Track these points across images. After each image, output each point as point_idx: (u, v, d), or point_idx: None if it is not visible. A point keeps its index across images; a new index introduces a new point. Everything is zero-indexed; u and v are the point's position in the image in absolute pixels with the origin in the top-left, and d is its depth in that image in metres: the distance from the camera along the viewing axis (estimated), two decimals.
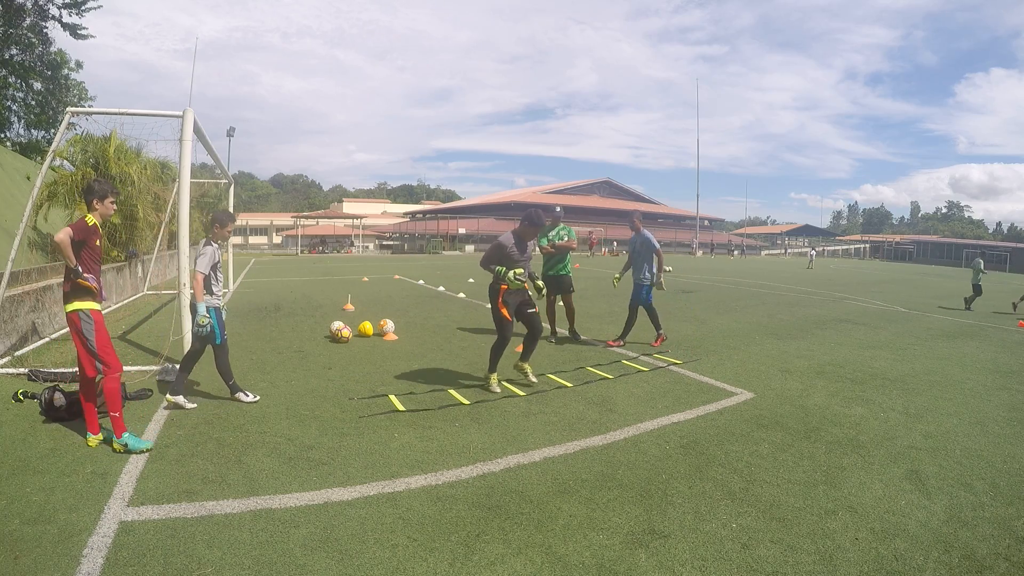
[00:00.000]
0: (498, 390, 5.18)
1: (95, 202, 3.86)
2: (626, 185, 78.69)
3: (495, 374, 5.30)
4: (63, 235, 3.61)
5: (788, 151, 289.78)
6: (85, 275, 3.70)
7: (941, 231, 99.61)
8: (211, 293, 4.63)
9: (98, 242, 3.87)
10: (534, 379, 5.42)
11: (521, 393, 5.10)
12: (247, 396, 4.75)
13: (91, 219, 3.83)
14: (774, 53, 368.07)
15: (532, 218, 5.11)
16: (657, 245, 7.46)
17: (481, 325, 8.79)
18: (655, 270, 7.46)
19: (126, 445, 3.63)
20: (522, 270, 5.07)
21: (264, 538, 2.68)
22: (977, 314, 12.36)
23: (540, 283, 5.39)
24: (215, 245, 4.68)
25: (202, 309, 4.43)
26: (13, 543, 2.56)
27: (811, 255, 38.23)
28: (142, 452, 3.62)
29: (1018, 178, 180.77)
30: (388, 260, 30.85)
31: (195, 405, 4.56)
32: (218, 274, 4.71)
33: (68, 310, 3.77)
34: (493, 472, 3.47)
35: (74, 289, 3.73)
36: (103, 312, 3.97)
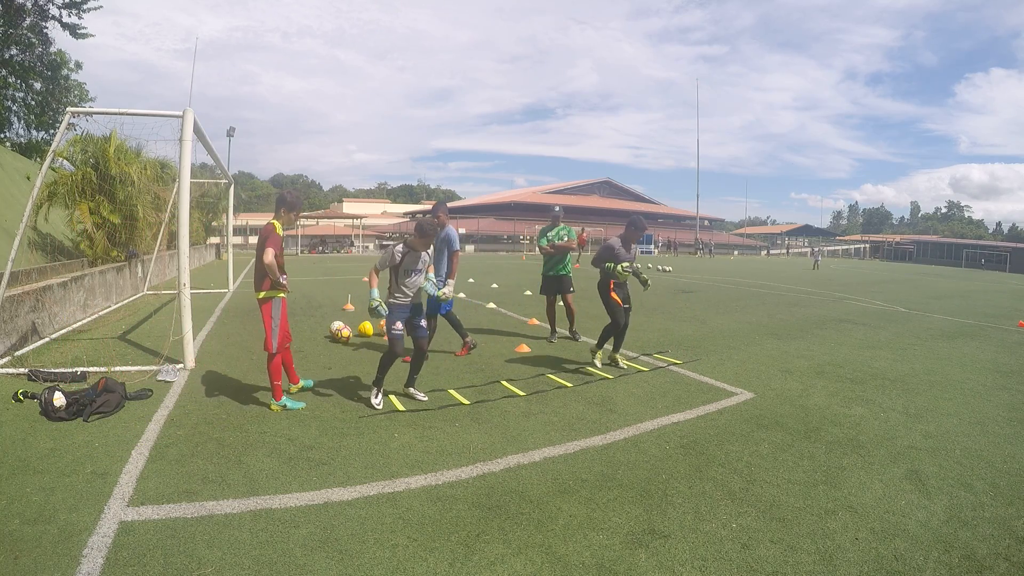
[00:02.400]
0: (599, 365, 6.09)
1: (283, 211, 4.59)
2: (626, 185, 78.90)
3: (600, 351, 6.23)
4: (270, 257, 4.32)
5: (788, 151, 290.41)
6: (282, 279, 4.47)
7: (941, 231, 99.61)
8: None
9: (283, 242, 4.58)
10: (624, 364, 6.11)
11: (521, 393, 5.10)
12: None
13: (279, 227, 4.51)
14: (774, 53, 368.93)
15: (636, 224, 6.09)
16: (457, 247, 6.28)
17: (481, 325, 8.78)
18: (446, 275, 6.18)
19: (284, 406, 4.49)
20: (628, 263, 6.00)
21: (264, 538, 2.68)
22: (977, 314, 12.36)
23: (645, 276, 6.38)
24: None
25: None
26: (13, 543, 2.56)
27: (818, 255, 37.88)
28: (300, 410, 4.45)
29: (1019, 178, 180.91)
30: None
31: (426, 397, 4.91)
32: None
33: (261, 297, 4.50)
34: (493, 472, 3.47)
35: (272, 284, 4.45)
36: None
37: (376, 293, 4.55)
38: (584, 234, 25.79)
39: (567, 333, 7.91)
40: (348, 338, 7.24)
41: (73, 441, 3.76)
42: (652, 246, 49.87)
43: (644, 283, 6.36)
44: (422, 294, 4.89)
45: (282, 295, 4.55)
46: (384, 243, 50.20)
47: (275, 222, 4.48)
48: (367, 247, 48.70)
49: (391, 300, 4.69)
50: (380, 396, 4.71)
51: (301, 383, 5.02)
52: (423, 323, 4.88)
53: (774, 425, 4.43)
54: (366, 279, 5.20)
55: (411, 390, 4.91)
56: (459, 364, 6.22)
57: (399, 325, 4.67)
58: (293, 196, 4.68)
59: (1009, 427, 4.55)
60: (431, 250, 4.95)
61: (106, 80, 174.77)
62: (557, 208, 7.89)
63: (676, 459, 3.73)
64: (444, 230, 6.22)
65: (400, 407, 4.61)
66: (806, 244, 77.90)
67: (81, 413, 4.16)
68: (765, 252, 60.01)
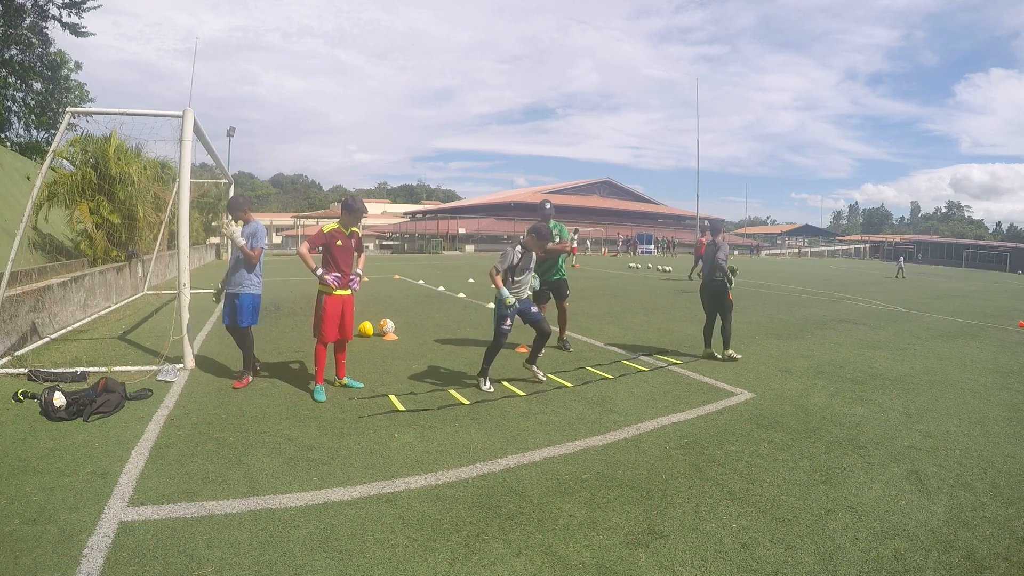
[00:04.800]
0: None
1: (343, 213, 4.97)
2: (626, 185, 78.71)
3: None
4: (299, 249, 4.85)
5: (788, 151, 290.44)
6: (323, 276, 4.81)
7: (941, 231, 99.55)
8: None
9: (339, 242, 4.88)
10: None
11: (521, 393, 5.10)
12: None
13: (326, 227, 4.91)
14: (774, 53, 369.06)
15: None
16: (253, 244, 5.19)
17: (481, 325, 8.78)
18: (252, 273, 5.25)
19: (311, 391, 4.90)
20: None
21: (264, 538, 2.68)
22: (977, 314, 12.36)
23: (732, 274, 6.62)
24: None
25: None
26: (13, 543, 2.56)
27: (902, 260, 28.83)
28: (307, 409, 4.55)
29: (1019, 178, 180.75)
30: (388, 260, 30.83)
31: (545, 378, 5.44)
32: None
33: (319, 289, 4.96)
34: (493, 472, 3.47)
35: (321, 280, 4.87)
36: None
37: (507, 292, 5.06)
38: (578, 235, 25.83)
39: (557, 343, 7.25)
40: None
41: (73, 441, 3.76)
42: (652, 246, 49.75)
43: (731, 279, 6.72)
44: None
45: (327, 290, 4.87)
46: (385, 243, 50.27)
47: (330, 222, 5.01)
48: (367, 247, 48.71)
49: (499, 297, 5.12)
50: (489, 383, 5.22)
51: (346, 380, 5.19)
52: (534, 308, 5.39)
53: (774, 425, 4.43)
54: (463, 281, 5.49)
55: (533, 368, 5.53)
56: (459, 364, 6.22)
57: (508, 322, 5.16)
58: (352, 200, 5.02)
59: (1009, 427, 4.55)
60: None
61: (106, 80, 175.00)
62: (548, 204, 6.86)
63: (676, 459, 3.73)
64: (250, 224, 5.32)
65: (400, 407, 4.61)
66: (806, 244, 77.89)
67: (81, 413, 4.16)
68: (751, 252, 58.55)
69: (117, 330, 7.72)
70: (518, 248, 5.20)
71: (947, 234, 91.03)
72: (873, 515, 3.03)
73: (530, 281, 5.38)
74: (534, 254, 5.31)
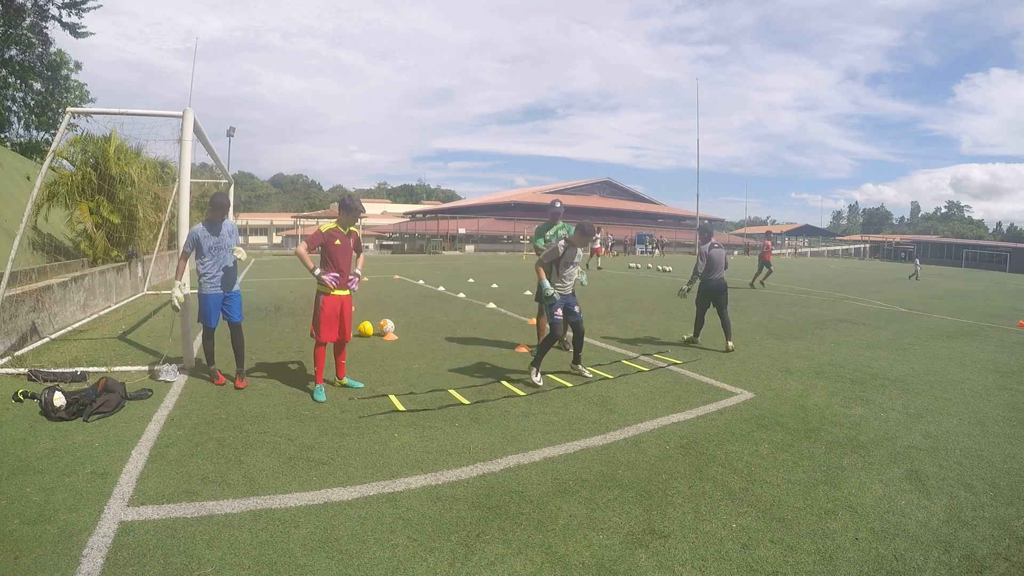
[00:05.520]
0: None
1: (341, 212, 4.95)
2: (626, 185, 78.74)
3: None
4: (300, 247, 4.80)
5: (788, 151, 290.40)
6: (321, 276, 4.81)
7: (941, 231, 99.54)
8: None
9: (337, 242, 4.86)
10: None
11: (521, 393, 5.10)
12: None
13: (324, 227, 4.89)
14: (775, 53, 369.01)
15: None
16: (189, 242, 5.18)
17: (481, 325, 8.78)
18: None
19: (311, 392, 4.91)
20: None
21: (264, 538, 2.68)
22: (977, 314, 12.36)
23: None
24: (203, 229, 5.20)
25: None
26: (13, 543, 2.56)
27: (918, 262, 27.21)
28: (308, 408, 4.56)
29: (1019, 178, 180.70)
30: (388, 260, 30.85)
31: (591, 375, 5.70)
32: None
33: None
34: (493, 472, 3.47)
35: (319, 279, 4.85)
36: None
37: (548, 284, 5.40)
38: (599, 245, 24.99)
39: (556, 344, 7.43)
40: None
41: (73, 441, 3.76)
42: (640, 245, 49.48)
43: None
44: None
45: (324, 291, 4.88)
46: (385, 243, 50.27)
47: (328, 222, 4.98)
48: (367, 247, 48.71)
49: (544, 291, 5.42)
50: (540, 375, 5.45)
51: (346, 380, 5.19)
52: (577, 308, 5.66)
53: (774, 425, 4.43)
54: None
55: (579, 367, 5.84)
56: (459, 364, 6.22)
57: (559, 312, 5.44)
58: (349, 199, 5.00)
59: (1009, 427, 4.55)
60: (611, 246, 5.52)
61: (106, 80, 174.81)
62: (557, 204, 7.12)
63: (676, 459, 3.73)
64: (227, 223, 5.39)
65: (400, 407, 4.61)
66: (806, 244, 77.87)
67: (81, 413, 4.16)
68: (737, 252, 57.72)
69: (117, 330, 7.73)
70: (562, 243, 5.48)
71: (947, 234, 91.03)
72: (873, 515, 3.03)
73: (577, 276, 5.66)
74: (579, 250, 5.55)
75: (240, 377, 5.21)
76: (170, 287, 12.65)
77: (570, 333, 6.18)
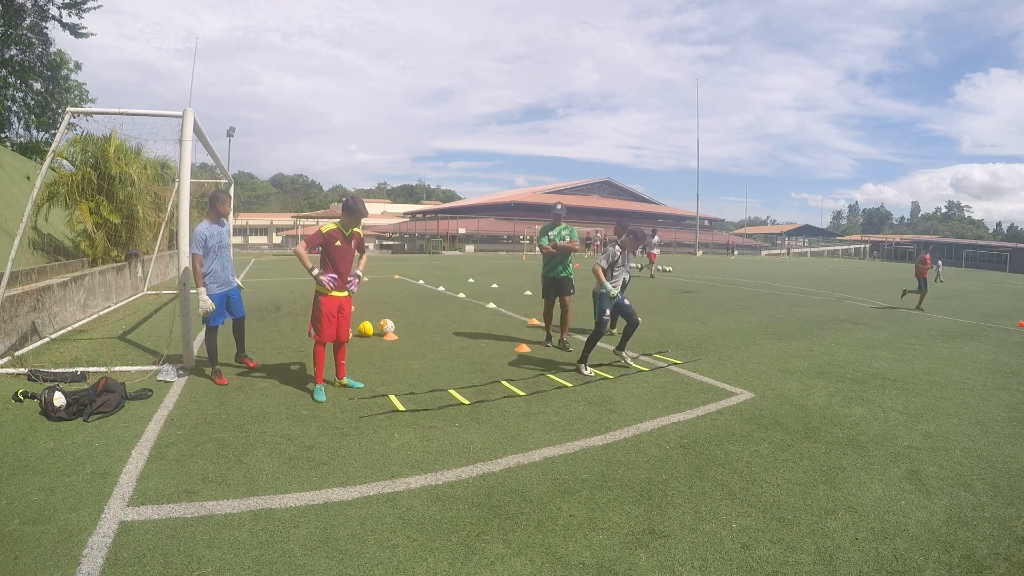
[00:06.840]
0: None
1: (343, 213, 4.89)
2: (626, 185, 78.73)
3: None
4: (299, 247, 4.76)
5: (789, 151, 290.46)
6: (319, 277, 4.80)
7: (941, 231, 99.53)
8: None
9: (337, 243, 4.83)
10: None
11: (521, 393, 5.10)
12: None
13: (324, 227, 4.84)
14: (775, 53, 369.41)
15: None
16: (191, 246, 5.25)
17: (481, 325, 8.78)
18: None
19: (311, 392, 4.90)
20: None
21: (264, 538, 2.68)
22: (977, 314, 12.36)
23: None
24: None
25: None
26: (13, 543, 2.56)
27: (940, 264, 25.76)
28: (308, 408, 4.55)
29: (1019, 178, 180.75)
30: (388, 260, 30.83)
31: (591, 372, 5.85)
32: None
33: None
34: (493, 472, 3.47)
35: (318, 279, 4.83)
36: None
37: (609, 286, 5.85)
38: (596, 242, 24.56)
39: (556, 344, 7.35)
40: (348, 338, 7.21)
41: (73, 441, 3.76)
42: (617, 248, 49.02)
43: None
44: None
45: (322, 291, 4.87)
46: (385, 243, 50.24)
47: (329, 223, 4.95)
48: (367, 247, 48.74)
49: (602, 291, 5.91)
50: (589, 368, 5.89)
51: (346, 380, 5.19)
52: (627, 301, 6.23)
53: (774, 425, 4.43)
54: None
55: (624, 353, 6.28)
56: (459, 364, 6.22)
57: (608, 313, 5.87)
58: (352, 201, 4.95)
59: (1009, 427, 4.55)
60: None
61: (106, 80, 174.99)
62: (559, 206, 7.29)
63: (676, 459, 3.73)
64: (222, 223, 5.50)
65: (400, 407, 4.61)
66: (806, 244, 77.84)
67: (81, 413, 4.16)
68: (732, 252, 57.03)
69: (117, 330, 7.72)
70: (616, 248, 6.02)
71: (947, 234, 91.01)
72: (873, 515, 3.03)
73: (624, 276, 6.24)
74: (629, 253, 6.09)
75: (248, 358, 5.54)
76: (171, 287, 12.67)
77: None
